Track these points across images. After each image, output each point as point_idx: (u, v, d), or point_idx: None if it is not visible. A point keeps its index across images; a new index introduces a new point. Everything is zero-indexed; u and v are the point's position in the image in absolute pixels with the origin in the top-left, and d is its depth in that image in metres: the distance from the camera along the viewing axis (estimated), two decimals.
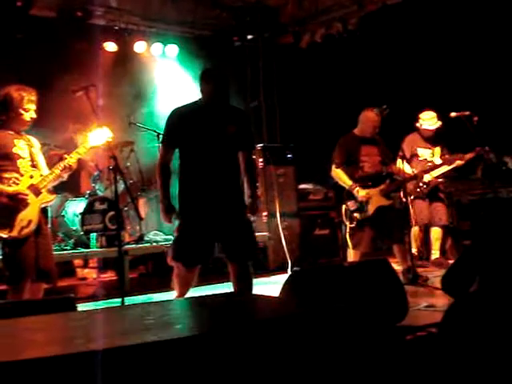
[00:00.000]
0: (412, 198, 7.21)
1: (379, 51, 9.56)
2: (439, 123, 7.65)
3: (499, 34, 8.63)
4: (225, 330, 1.92)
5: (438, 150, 7.73)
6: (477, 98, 8.31)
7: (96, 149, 5.07)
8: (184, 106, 4.86)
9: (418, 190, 6.95)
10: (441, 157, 7.63)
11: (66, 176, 4.89)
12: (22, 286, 4.60)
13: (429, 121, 7.65)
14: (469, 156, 7.36)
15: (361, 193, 6.63)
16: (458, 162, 7.42)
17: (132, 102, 9.44)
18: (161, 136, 8.56)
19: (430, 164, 7.42)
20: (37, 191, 4.71)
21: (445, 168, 7.42)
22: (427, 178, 7.29)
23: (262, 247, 9.14)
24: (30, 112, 4.74)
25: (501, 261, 2.81)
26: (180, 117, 4.74)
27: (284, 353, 1.98)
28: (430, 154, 7.64)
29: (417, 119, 7.64)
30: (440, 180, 7.51)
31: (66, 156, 4.88)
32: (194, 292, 7.10)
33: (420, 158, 7.58)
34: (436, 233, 7.64)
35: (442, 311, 4.76)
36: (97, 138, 4.91)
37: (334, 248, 9.14)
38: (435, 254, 7.59)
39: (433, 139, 7.66)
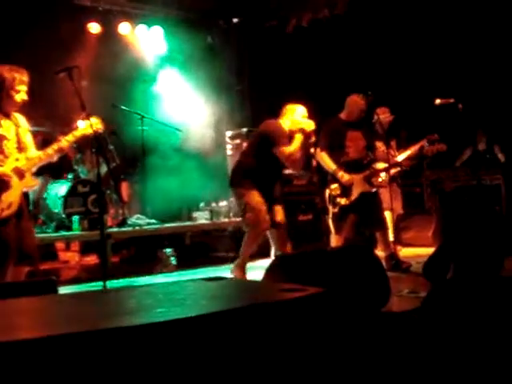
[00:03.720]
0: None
1: (366, 36, 9.55)
2: (392, 116, 7.74)
3: (489, 20, 8.65)
4: (207, 315, 1.91)
5: (393, 143, 7.77)
6: (464, 86, 8.34)
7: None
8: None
9: (380, 179, 6.92)
10: (397, 148, 7.67)
11: (56, 158, 4.88)
12: (4, 268, 4.57)
13: (383, 114, 7.67)
14: (420, 144, 7.32)
15: (345, 177, 6.62)
16: (412, 150, 7.35)
17: (116, 84, 9.36)
18: (144, 118, 8.56)
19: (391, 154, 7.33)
20: (21, 174, 4.66)
21: (404, 155, 7.39)
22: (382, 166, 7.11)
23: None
24: (20, 93, 4.67)
25: (472, 247, 2.84)
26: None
27: (267, 339, 1.97)
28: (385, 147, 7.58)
29: (372, 116, 7.59)
30: (396, 169, 7.41)
31: (60, 138, 4.85)
32: (179, 276, 7.13)
33: (379, 150, 7.50)
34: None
35: (423, 297, 4.79)
36: (86, 127, 4.90)
37: (318, 233, 9.15)
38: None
39: (389, 132, 7.63)
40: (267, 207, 6.12)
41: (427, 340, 2.43)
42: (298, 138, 6.12)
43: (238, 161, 6.56)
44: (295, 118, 6.22)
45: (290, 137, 6.15)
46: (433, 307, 2.55)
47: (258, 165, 6.15)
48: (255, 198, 6.05)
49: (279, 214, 6.29)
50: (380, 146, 7.18)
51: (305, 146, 6.24)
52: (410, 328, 3.01)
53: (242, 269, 6.24)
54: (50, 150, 4.79)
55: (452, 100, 6.96)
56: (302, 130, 6.14)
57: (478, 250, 2.73)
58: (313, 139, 6.27)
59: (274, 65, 10.63)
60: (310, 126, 6.17)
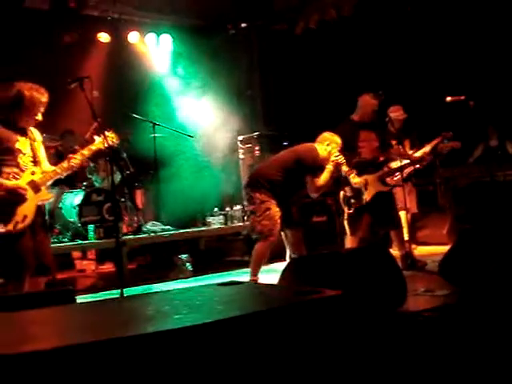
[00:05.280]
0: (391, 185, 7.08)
1: (374, 36, 9.54)
2: (405, 115, 7.68)
3: (498, 17, 8.61)
4: (224, 320, 1.92)
5: (407, 142, 7.74)
6: (474, 82, 8.31)
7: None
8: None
9: (396, 178, 6.92)
10: (411, 148, 7.66)
11: (65, 174, 4.92)
12: (21, 279, 4.60)
13: (396, 112, 7.65)
14: (435, 142, 7.35)
15: (356, 179, 6.60)
16: (428, 147, 7.39)
17: (127, 92, 9.42)
18: (156, 126, 8.61)
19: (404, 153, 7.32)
20: (36, 188, 4.69)
21: (419, 152, 7.41)
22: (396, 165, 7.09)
23: None
24: (38, 115, 4.73)
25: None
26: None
27: (284, 342, 1.98)
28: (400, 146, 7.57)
29: (386, 115, 7.55)
30: (411, 168, 7.41)
31: (71, 156, 4.88)
32: (195, 282, 7.14)
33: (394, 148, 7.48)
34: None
35: (441, 296, 4.78)
36: (102, 141, 4.93)
37: (332, 235, 9.14)
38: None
39: (402, 131, 7.61)
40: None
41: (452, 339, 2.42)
42: (329, 170, 6.11)
43: (266, 167, 6.40)
44: (333, 149, 6.18)
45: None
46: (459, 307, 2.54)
47: (285, 184, 6.11)
48: (276, 208, 6.03)
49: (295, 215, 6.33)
50: (393, 144, 7.18)
51: (332, 176, 6.25)
52: (429, 327, 3.01)
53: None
54: (65, 164, 4.82)
55: (463, 97, 6.93)
56: (335, 163, 6.15)
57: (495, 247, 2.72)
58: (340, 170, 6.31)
59: (284, 68, 10.65)
60: (343, 160, 6.18)
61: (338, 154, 6.17)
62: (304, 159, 6.15)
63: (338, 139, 6.26)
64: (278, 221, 6.02)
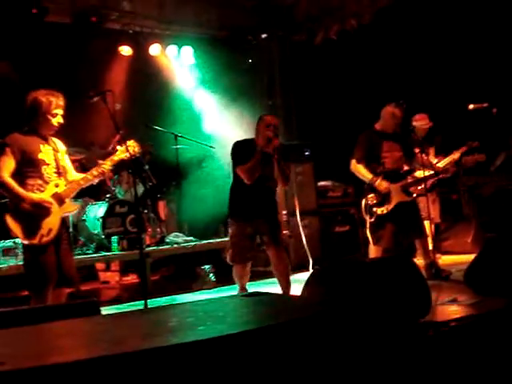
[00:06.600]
0: (415, 195, 7.04)
1: (394, 46, 9.51)
2: (430, 123, 7.66)
3: None
4: (248, 331, 1.92)
5: (432, 150, 7.70)
6: (497, 90, 8.24)
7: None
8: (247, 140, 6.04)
9: (419, 187, 6.88)
10: (435, 156, 7.61)
11: (96, 181, 4.94)
12: (44, 292, 4.62)
13: (421, 121, 7.62)
14: (460, 151, 7.32)
15: (383, 185, 6.57)
16: (453, 157, 7.37)
17: (149, 104, 9.48)
18: (178, 138, 8.66)
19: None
20: (61, 200, 4.72)
21: (444, 162, 7.39)
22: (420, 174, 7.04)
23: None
24: (57, 117, 4.74)
25: None
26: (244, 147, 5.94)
27: (308, 352, 1.98)
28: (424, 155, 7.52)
29: (409, 124, 7.51)
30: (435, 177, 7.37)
31: (99, 163, 4.92)
32: (218, 292, 7.15)
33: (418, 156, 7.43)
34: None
35: (466, 305, 4.74)
36: (124, 151, 4.97)
37: (355, 244, 9.11)
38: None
39: (426, 140, 7.57)
40: (261, 231, 5.89)
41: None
42: (258, 154, 5.77)
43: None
44: (260, 131, 5.91)
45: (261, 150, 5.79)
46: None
47: (240, 188, 5.96)
48: (242, 230, 5.86)
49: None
50: (416, 152, 7.15)
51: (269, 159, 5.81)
52: (452, 338, 2.98)
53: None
54: (89, 176, 4.86)
55: (486, 104, 6.89)
56: (266, 135, 5.79)
57: None
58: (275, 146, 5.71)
59: (305, 78, 10.65)
60: (268, 140, 5.74)
61: (266, 132, 5.79)
62: (231, 153, 6.04)
63: (263, 120, 5.97)
64: (240, 244, 5.88)
